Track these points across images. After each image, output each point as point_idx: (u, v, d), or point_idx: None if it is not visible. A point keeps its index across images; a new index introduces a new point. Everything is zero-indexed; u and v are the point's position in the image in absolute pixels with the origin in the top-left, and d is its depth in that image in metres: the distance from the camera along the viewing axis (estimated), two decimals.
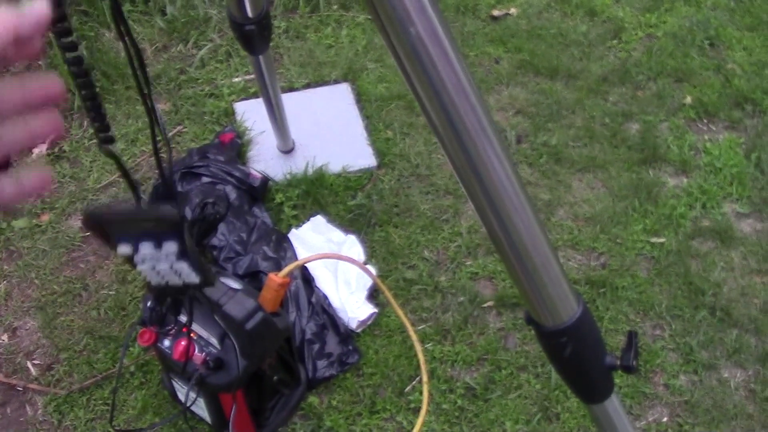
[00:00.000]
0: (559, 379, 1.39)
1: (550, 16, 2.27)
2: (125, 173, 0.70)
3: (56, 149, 1.87)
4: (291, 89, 2.01)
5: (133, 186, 0.70)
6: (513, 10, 2.28)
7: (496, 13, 2.26)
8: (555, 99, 1.99)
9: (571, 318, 0.78)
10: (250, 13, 1.24)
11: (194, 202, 1.50)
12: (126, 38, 0.68)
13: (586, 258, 1.64)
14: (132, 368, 1.44)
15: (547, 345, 0.83)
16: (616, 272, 1.60)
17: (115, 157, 0.67)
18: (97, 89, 0.62)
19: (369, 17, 2.23)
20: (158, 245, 0.63)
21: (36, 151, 1.86)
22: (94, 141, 1.90)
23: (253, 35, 1.27)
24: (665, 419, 1.39)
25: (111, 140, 0.67)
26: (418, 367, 1.43)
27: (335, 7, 2.28)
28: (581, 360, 0.82)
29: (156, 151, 0.83)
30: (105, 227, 0.65)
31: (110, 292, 1.57)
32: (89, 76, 0.63)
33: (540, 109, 1.97)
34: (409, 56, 0.62)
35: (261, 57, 1.43)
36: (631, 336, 0.85)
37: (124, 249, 0.63)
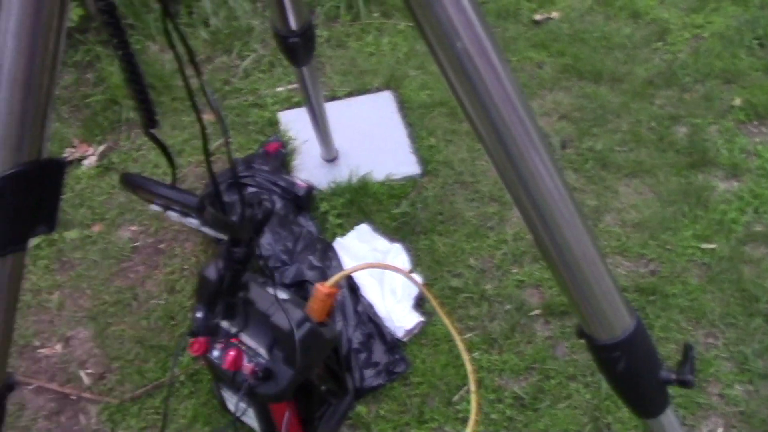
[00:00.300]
0: (610, 389, 1.37)
1: (593, 19, 2.24)
2: (166, 153, 0.76)
3: (105, 161, 1.91)
4: (333, 98, 2.02)
5: (173, 165, 0.78)
6: (555, 14, 2.26)
7: (537, 17, 2.24)
8: (600, 103, 1.97)
9: (625, 332, 0.77)
10: (293, 26, 1.25)
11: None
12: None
13: (634, 265, 1.61)
14: (182, 377, 1.45)
15: (600, 359, 0.81)
16: (667, 279, 1.57)
17: (157, 140, 0.72)
18: (143, 75, 0.65)
19: (410, 24, 2.23)
20: (183, 216, 0.80)
21: (86, 162, 1.90)
22: (142, 152, 1.93)
23: (297, 47, 1.28)
24: (720, 430, 1.36)
25: (155, 124, 0.70)
26: (466, 376, 1.42)
27: (376, 15, 2.29)
28: (635, 374, 0.81)
29: (208, 161, 0.84)
30: (136, 193, 0.80)
31: (159, 302, 1.60)
32: (134, 59, 0.65)
33: (584, 113, 1.94)
34: (455, 70, 0.62)
35: (305, 68, 1.44)
36: (687, 349, 0.84)
37: (154, 208, 0.81)
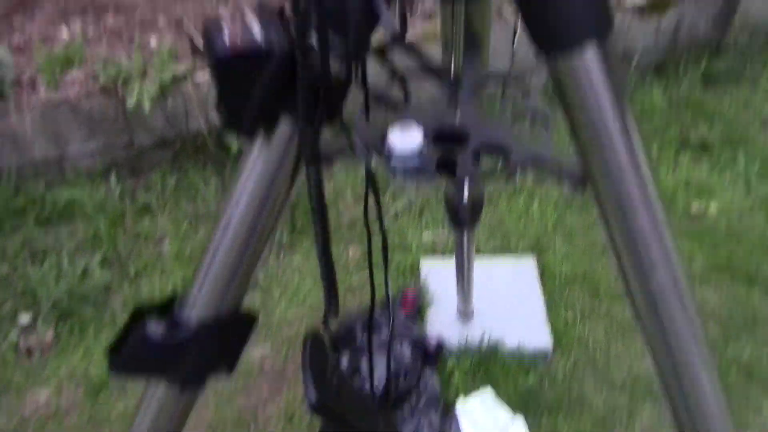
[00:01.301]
0: None
1: (753, 219, 2.18)
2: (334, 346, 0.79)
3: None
4: (475, 253, 2.04)
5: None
6: (713, 207, 2.22)
7: (694, 209, 2.21)
8: (751, 309, 1.89)
9: None
10: (465, 199, 1.29)
11: (382, 371, 1.52)
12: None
13: None
14: None
15: None
16: None
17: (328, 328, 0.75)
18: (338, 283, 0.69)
19: (565, 193, 2.26)
20: None
21: None
22: (285, 277, 2.01)
23: (466, 215, 1.32)
24: None
25: (335, 313, 0.74)
26: None
27: (530, 178, 2.33)
28: None
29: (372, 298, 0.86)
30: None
31: (276, 431, 1.61)
32: (331, 260, 0.69)
33: (734, 317, 1.86)
34: (644, 303, 0.63)
35: (466, 230, 1.47)
36: None
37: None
